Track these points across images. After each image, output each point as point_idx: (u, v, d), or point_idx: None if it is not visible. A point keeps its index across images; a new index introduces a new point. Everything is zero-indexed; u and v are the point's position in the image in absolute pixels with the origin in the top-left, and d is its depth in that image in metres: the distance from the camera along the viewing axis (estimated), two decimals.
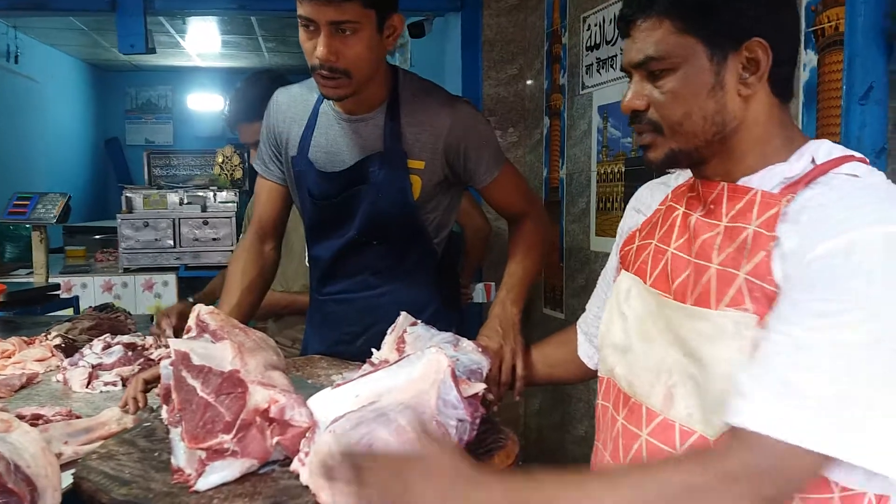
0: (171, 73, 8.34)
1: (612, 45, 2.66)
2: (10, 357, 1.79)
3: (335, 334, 1.63)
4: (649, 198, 1.12)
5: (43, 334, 1.96)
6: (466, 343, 1.24)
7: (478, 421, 1.03)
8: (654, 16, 0.89)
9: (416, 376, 1.02)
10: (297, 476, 0.95)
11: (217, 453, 0.91)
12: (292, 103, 1.58)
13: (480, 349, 1.23)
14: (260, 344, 1.10)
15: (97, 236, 5.14)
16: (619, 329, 1.03)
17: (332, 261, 1.59)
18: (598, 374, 1.12)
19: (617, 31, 0.97)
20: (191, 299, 2.20)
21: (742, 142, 0.92)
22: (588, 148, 2.86)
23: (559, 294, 3.11)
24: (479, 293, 2.89)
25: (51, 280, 3.13)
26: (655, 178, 1.17)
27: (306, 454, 0.95)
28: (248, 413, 0.93)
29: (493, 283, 2.91)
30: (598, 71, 2.78)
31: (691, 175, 1.02)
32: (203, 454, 0.91)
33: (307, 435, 0.97)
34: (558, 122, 3.12)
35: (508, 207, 1.62)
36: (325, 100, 1.52)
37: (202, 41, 6.86)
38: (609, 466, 1.01)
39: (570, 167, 3.02)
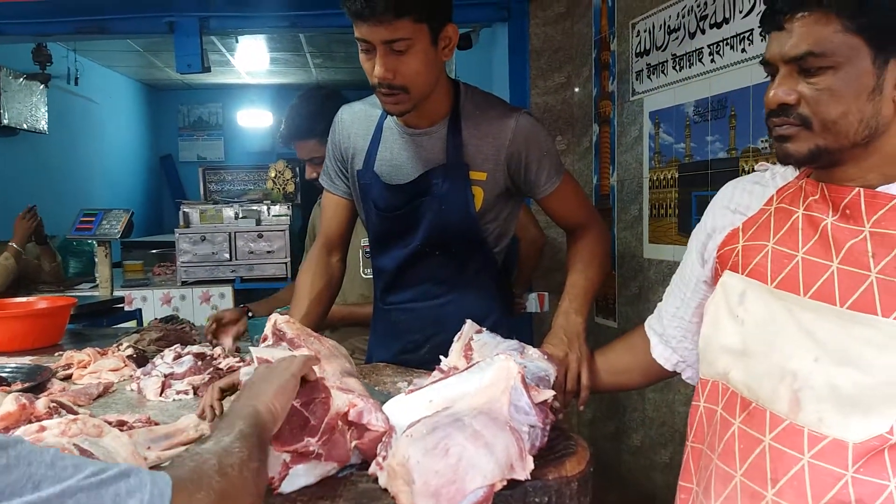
0: (222, 90, 8.55)
1: (663, 51, 2.66)
2: (85, 367, 1.86)
3: (400, 343, 1.66)
4: (747, 197, 1.10)
5: (115, 345, 2.03)
6: (532, 351, 1.24)
7: (548, 427, 1.04)
8: (818, 11, 0.88)
9: (487, 382, 1.04)
10: (375, 479, 0.97)
11: (302, 456, 0.94)
12: (356, 120, 1.62)
13: (546, 357, 1.24)
14: (333, 352, 1.14)
15: (154, 251, 5.30)
16: (732, 332, 1.02)
17: (397, 271, 1.62)
18: (701, 376, 1.11)
19: (761, 22, 0.95)
20: (249, 313, 2.25)
21: (883, 147, 0.91)
22: (639, 154, 2.85)
23: (612, 302, 3.09)
24: (532, 303, 2.90)
25: (115, 294, 3.25)
26: (745, 175, 1.16)
27: (384, 458, 0.97)
28: (331, 417, 0.96)
29: (546, 294, 2.91)
30: (648, 77, 2.77)
31: (797, 177, 1.01)
32: (287, 457, 0.94)
33: (384, 439, 1.00)
34: (608, 128, 3.11)
35: (569, 218, 1.63)
36: (389, 115, 1.56)
37: (251, 59, 7.03)
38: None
39: (621, 174, 3.01)
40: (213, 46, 6.22)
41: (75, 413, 1.31)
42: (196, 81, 8.12)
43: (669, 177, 2.65)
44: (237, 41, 6.04)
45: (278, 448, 0.91)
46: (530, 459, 0.97)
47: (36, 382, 1.69)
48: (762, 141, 2.15)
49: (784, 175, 1.07)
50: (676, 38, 2.57)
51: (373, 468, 0.98)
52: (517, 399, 1.01)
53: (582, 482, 1.03)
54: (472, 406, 1.00)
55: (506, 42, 3.56)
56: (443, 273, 1.61)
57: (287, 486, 0.94)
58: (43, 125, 5.61)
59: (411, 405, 1.03)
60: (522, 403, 1.01)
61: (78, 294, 3.66)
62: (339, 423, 0.97)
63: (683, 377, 1.28)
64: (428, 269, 1.61)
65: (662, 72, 2.67)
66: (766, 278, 0.99)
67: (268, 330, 1.12)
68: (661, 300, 1.31)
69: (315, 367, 1.00)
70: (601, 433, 3.19)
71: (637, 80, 2.86)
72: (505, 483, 0.93)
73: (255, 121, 8.58)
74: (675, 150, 2.61)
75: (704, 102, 2.42)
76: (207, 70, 3.65)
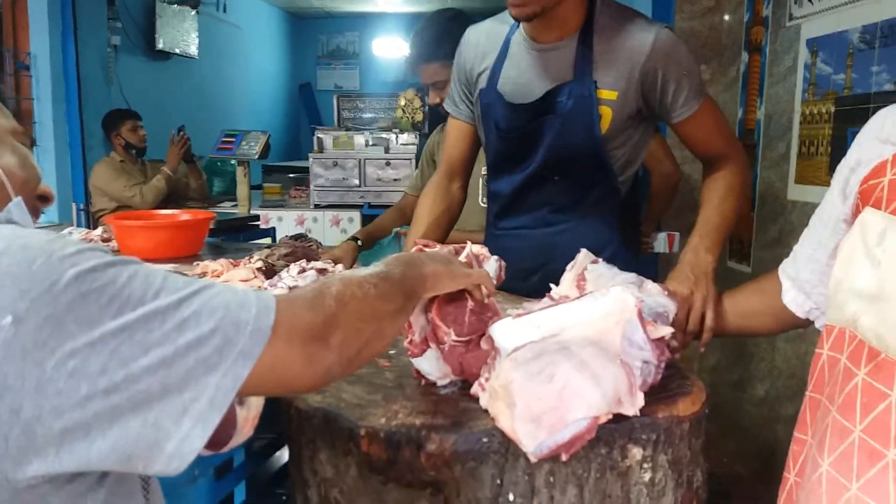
0: (359, 19, 8.64)
1: None
2: (219, 276, 1.98)
3: (510, 270, 1.62)
4: None
5: (246, 258, 2.14)
6: (652, 285, 1.18)
7: (663, 364, 0.99)
8: None
9: (600, 313, 0.99)
10: (477, 399, 0.97)
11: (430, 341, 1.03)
12: (483, 38, 1.56)
13: (667, 293, 1.17)
14: None
15: (291, 174, 5.52)
16: (867, 274, 0.92)
17: (512, 195, 1.57)
18: (827, 322, 1.01)
19: None
20: (359, 241, 2.29)
21: None
22: (792, 86, 2.60)
23: (747, 246, 2.90)
24: (660, 243, 2.74)
25: (252, 212, 3.42)
26: None
27: (486, 379, 0.96)
28: (478, 334, 1.02)
29: (676, 234, 2.75)
30: (808, 0, 2.50)
31: None
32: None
33: (487, 361, 0.98)
34: (758, 57, 2.85)
35: (706, 147, 1.49)
36: (517, 30, 1.48)
37: None
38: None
39: (769, 107, 2.77)
40: None
41: None
42: (335, 10, 8.24)
43: (824, 111, 2.40)
44: None
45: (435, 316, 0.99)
46: (640, 395, 0.92)
47: None
48: None
49: None
50: None
51: (475, 388, 0.98)
52: (631, 333, 0.96)
53: (694, 423, 0.98)
54: (582, 336, 0.96)
55: None
56: (560, 199, 1.54)
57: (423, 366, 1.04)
58: (193, 50, 5.90)
59: (518, 329, 1.00)
60: (637, 338, 0.96)
61: (219, 211, 3.89)
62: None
63: (817, 325, 1.16)
64: (545, 195, 1.54)
65: None
66: None
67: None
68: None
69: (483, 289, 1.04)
70: (723, 380, 3.05)
71: (795, 3, 2.58)
72: (610, 417, 0.89)
73: (390, 50, 8.61)
74: (832, 82, 2.36)
75: (873, 28, 2.15)
76: None
